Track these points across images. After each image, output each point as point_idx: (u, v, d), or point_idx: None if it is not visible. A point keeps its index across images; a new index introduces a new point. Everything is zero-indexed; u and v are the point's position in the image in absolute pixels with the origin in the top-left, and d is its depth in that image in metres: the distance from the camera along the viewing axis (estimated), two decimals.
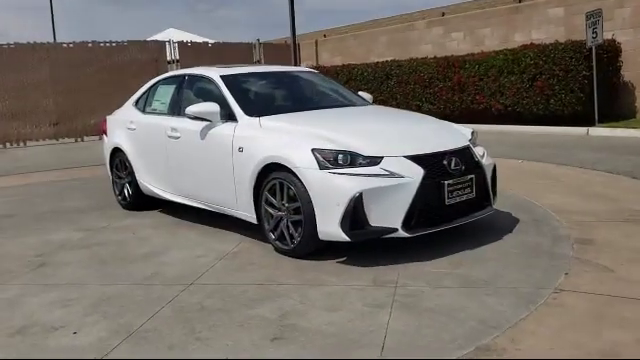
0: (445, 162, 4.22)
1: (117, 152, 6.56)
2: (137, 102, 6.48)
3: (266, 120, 4.76)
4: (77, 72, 16.20)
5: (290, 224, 4.31)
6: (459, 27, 16.03)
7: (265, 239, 4.67)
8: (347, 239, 3.97)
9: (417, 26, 17.35)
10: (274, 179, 4.38)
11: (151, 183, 6.03)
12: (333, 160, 4.06)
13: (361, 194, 3.91)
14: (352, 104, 5.60)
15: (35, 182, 9.13)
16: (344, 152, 4.07)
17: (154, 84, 6.34)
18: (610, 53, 12.21)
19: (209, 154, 5.04)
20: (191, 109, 5.04)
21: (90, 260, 4.65)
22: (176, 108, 5.71)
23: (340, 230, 3.97)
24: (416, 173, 4.04)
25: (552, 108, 12.10)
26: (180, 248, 4.86)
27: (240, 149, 4.67)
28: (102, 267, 4.46)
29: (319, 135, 4.31)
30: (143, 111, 6.30)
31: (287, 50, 20.38)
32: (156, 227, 5.66)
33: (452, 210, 4.25)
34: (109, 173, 6.84)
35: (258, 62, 19.88)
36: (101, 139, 7.35)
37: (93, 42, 16.70)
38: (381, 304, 3.39)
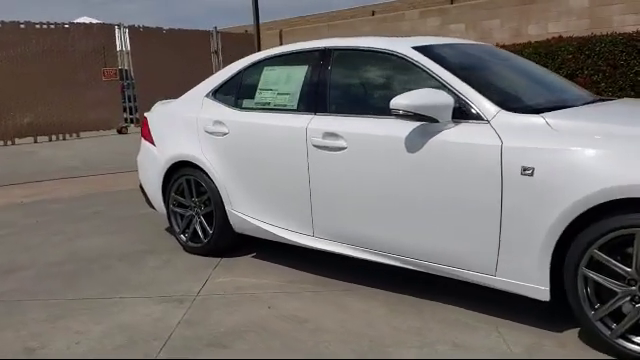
0: None
1: (182, 168, 4.27)
2: (217, 93, 4.22)
3: (562, 120, 2.76)
4: (6, 59, 13.10)
5: None
6: (460, 18, 14.50)
7: (538, 319, 2.74)
8: None
9: (409, 16, 15.66)
10: (624, 227, 2.41)
11: (262, 218, 3.83)
12: None
13: None
14: (591, 95, 3.75)
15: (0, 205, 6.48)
16: None
17: (252, 64, 4.10)
18: None
19: (432, 177, 2.97)
20: (401, 102, 2.93)
21: None
22: (321, 101, 3.56)
23: None
24: None
25: None
26: (404, 345, 2.76)
27: (527, 171, 2.65)
28: None
29: None
30: (236, 106, 4.06)
31: (247, 40, 18.09)
32: (290, 292, 3.50)
33: None
34: (159, 200, 4.51)
35: (215, 52, 17.57)
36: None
37: (26, 22, 13.59)
38: None
